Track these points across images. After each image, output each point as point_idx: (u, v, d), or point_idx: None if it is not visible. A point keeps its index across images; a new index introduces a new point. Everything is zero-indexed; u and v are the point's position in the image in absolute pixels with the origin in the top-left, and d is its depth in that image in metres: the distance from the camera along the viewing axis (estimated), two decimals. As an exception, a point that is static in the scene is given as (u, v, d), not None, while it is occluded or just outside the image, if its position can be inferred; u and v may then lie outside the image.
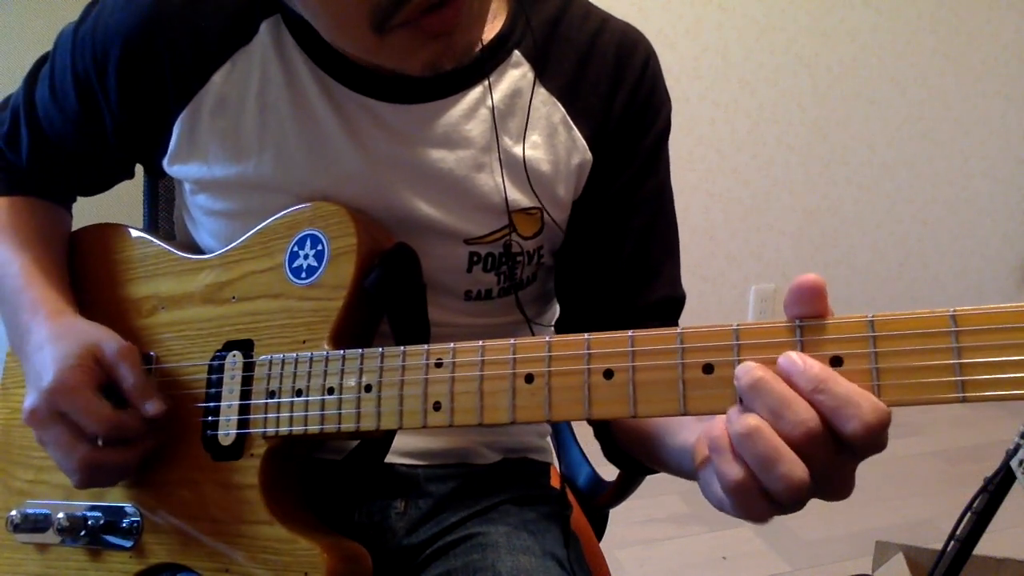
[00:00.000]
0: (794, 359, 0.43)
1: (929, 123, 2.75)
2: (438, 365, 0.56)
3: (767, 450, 0.42)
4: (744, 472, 0.44)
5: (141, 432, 0.66)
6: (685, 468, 0.60)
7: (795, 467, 0.42)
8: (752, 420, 0.43)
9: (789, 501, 0.43)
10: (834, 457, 0.43)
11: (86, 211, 0.87)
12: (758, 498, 0.44)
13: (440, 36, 0.58)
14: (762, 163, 2.62)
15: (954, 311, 0.41)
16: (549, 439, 0.92)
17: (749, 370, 0.44)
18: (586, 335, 0.50)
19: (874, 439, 0.42)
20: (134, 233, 0.79)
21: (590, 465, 1.02)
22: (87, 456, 0.64)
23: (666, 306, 0.76)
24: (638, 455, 0.74)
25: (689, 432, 0.60)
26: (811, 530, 1.94)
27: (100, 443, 0.64)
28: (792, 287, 0.45)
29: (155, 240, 0.78)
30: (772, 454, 0.42)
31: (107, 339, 0.67)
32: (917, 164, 2.78)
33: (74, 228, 0.85)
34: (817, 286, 0.44)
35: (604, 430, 0.77)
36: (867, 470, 0.44)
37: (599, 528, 1.01)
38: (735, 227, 2.64)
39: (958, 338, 0.41)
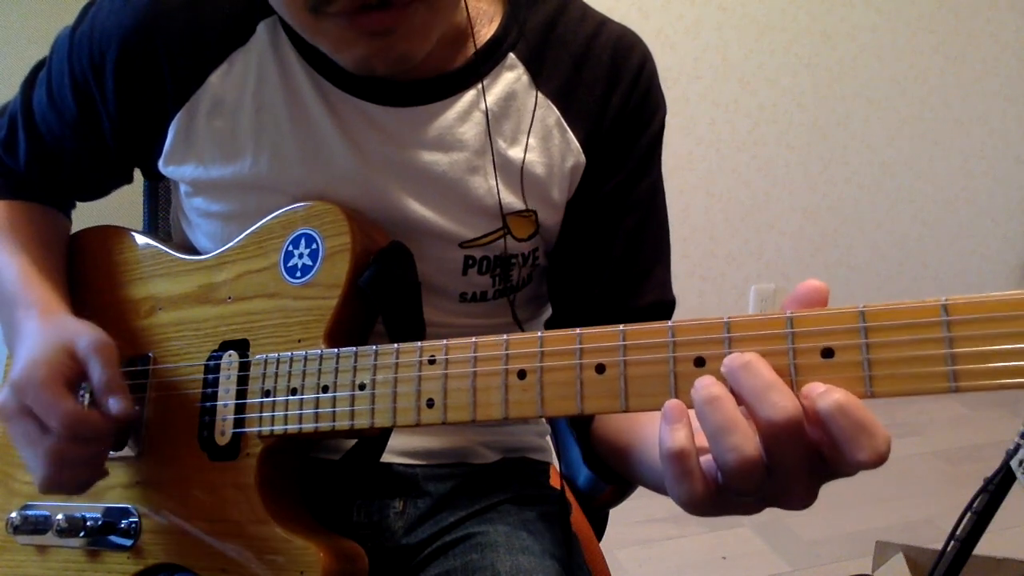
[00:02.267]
0: (816, 385, 0.42)
1: (929, 123, 2.75)
2: (431, 362, 0.56)
3: (725, 419, 0.42)
4: (687, 440, 0.43)
5: (106, 431, 0.63)
6: (657, 478, 0.59)
7: (748, 442, 0.42)
8: (716, 388, 0.43)
9: (735, 479, 0.42)
10: (807, 463, 0.43)
11: (85, 212, 0.87)
12: (695, 471, 0.43)
13: (375, 36, 0.59)
14: (762, 163, 2.61)
15: (946, 300, 0.41)
16: (549, 438, 0.92)
17: (739, 355, 0.44)
18: (578, 330, 0.50)
19: (876, 465, 0.41)
20: (133, 235, 0.80)
21: (590, 465, 1.02)
22: (49, 450, 0.61)
23: (656, 310, 0.76)
24: (614, 465, 0.73)
25: None
26: (811, 530, 1.94)
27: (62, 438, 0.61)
28: (798, 289, 0.45)
29: (153, 241, 0.78)
30: (729, 424, 0.42)
31: (83, 333, 0.65)
32: (917, 164, 2.78)
33: (74, 230, 0.85)
34: (822, 292, 0.44)
35: (584, 436, 0.76)
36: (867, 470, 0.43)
37: (599, 528, 1.00)
38: (735, 227, 2.64)
39: (950, 328, 0.40)
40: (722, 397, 0.43)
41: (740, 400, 0.43)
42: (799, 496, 0.44)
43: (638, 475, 0.66)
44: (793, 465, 0.42)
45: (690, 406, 0.45)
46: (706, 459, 0.44)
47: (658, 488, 0.60)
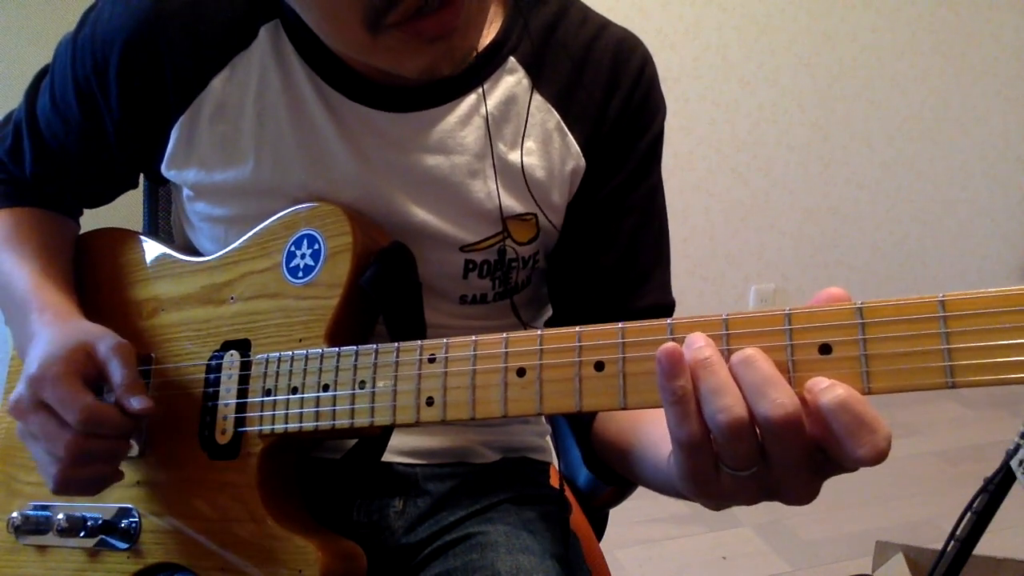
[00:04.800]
0: (820, 380, 0.42)
1: (929, 123, 2.75)
2: (431, 360, 0.56)
3: (764, 376, 0.42)
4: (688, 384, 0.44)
5: (123, 428, 0.64)
6: (661, 474, 0.59)
7: (789, 396, 0.42)
8: (751, 350, 0.43)
9: (778, 432, 0.42)
10: (807, 459, 0.43)
11: (85, 212, 0.87)
12: (694, 414, 0.44)
13: (437, 40, 0.58)
14: (762, 163, 2.62)
15: (943, 296, 0.41)
16: (549, 438, 0.92)
17: (741, 351, 0.44)
18: (577, 328, 0.50)
19: (875, 462, 0.41)
20: (136, 237, 0.80)
21: (590, 465, 1.02)
22: (68, 444, 0.61)
23: (655, 312, 0.75)
24: (616, 466, 0.73)
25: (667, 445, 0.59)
26: (811, 530, 1.94)
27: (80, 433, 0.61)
28: (819, 296, 0.46)
29: (156, 243, 0.78)
30: (771, 379, 0.42)
31: (102, 336, 0.67)
32: (917, 164, 2.78)
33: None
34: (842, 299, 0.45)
35: (584, 438, 0.77)
36: (867, 470, 0.43)
37: (599, 528, 1.01)
38: (735, 227, 2.64)
39: (947, 323, 0.41)
40: (758, 355, 0.43)
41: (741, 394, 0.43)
42: (800, 491, 0.44)
43: (641, 475, 0.66)
44: (793, 460, 0.43)
45: None
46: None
47: (662, 488, 0.60)
